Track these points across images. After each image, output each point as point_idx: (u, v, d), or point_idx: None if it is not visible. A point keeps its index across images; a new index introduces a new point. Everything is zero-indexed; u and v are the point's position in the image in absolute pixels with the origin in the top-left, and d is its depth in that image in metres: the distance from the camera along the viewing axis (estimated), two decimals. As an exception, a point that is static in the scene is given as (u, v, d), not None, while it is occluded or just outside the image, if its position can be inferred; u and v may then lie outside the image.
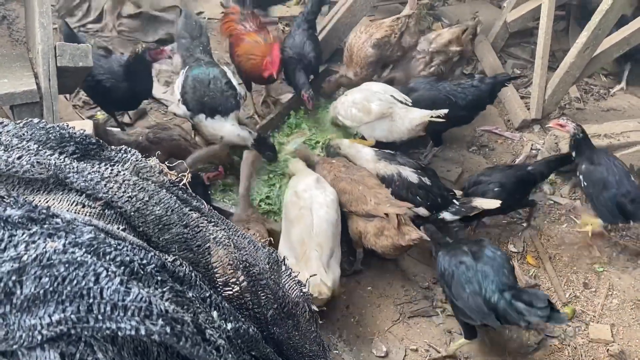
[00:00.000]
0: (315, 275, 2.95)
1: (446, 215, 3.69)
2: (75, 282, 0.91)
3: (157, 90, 5.10)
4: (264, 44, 4.50)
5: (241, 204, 3.66)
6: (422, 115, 3.98)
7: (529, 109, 4.98)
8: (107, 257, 0.96)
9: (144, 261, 1.04)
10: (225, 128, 4.09)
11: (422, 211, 3.68)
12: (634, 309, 3.57)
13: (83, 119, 4.82)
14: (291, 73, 4.62)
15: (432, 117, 3.92)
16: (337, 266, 3.24)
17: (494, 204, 3.62)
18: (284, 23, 6.24)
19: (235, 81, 4.30)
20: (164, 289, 1.01)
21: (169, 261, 1.19)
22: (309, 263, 3.07)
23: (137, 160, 1.33)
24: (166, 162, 3.82)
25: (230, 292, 1.32)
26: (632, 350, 3.35)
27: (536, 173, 3.93)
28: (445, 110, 3.91)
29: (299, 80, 4.54)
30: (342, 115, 4.30)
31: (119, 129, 4.37)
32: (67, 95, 5.03)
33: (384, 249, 3.45)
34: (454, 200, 3.72)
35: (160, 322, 0.91)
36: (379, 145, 4.19)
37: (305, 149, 4.30)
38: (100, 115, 4.87)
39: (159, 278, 1.02)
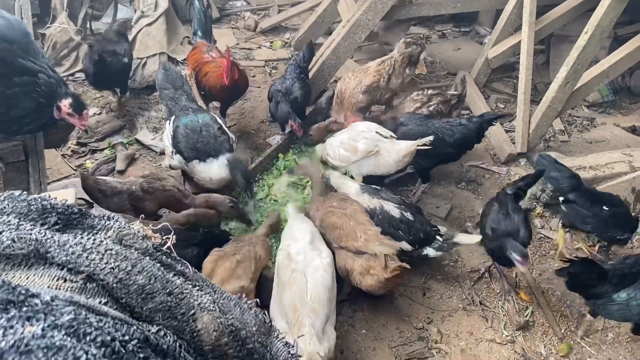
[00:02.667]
0: (306, 343, 2.88)
1: (429, 252, 3.71)
2: (54, 367, 0.89)
3: (146, 136, 5.14)
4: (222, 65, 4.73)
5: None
6: (407, 146, 4.03)
7: (514, 143, 5.04)
8: (87, 339, 0.95)
9: (126, 337, 1.03)
10: (212, 169, 4.10)
11: (405, 245, 3.69)
12: (630, 342, 3.55)
13: (73, 169, 4.83)
14: (275, 106, 4.76)
15: (418, 145, 3.97)
16: (332, 330, 3.11)
17: (475, 239, 3.68)
18: (270, 66, 6.34)
19: (225, 126, 4.34)
20: (146, 367, 1.00)
21: (153, 332, 1.17)
22: (302, 330, 2.94)
23: (119, 228, 1.32)
24: (158, 212, 3.87)
25: (216, 358, 1.30)
26: (630, 386, 3.32)
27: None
28: (431, 138, 3.96)
29: (283, 110, 4.69)
30: (330, 156, 4.36)
31: (110, 177, 4.35)
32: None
33: (368, 287, 3.42)
34: (437, 237, 3.73)
35: (141, 404, 0.90)
36: (367, 181, 4.23)
37: (311, 165, 4.30)
38: (90, 163, 4.89)
39: (141, 355, 1.01)
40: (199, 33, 5.17)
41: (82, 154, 5.00)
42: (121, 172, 4.76)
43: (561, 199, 3.98)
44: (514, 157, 4.99)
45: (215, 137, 4.15)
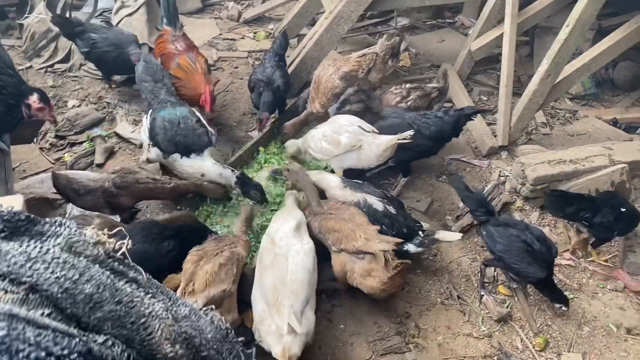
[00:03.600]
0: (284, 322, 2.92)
1: (410, 247, 3.71)
2: (-17, 386, 0.87)
3: (125, 129, 5.08)
4: (187, 70, 4.70)
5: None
6: (388, 140, 4.01)
7: (495, 136, 5.04)
8: (20, 355, 0.93)
9: (65, 351, 1.01)
10: (206, 166, 4.08)
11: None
12: (605, 336, 3.58)
13: (51, 162, 4.77)
14: (257, 95, 4.74)
15: (398, 140, 3.95)
16: (312, 313, 3.16)
17: (456, 236, 3.69)
18: (254, 57, 6.27)
19: (204, 119, 4.30)
20: (84, 382, 0.98)
21: (99, 343, 1.15)
22: (281, 310, 2.99)
23: (69, 235, 1.30)
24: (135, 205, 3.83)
25: (169, 367, 1.28)
26: (605, 379, 3.35)
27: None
28: (411, 132, 3.95)
29: (264, 99, 4.66)
30: (312, 149, 4.32)
31: (86, 173, 4.28)
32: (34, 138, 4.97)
33: (371, 289, 3.42)
34: (419, 232, 3.72)
35: (74, 423, 0.88)
36: (349, 175, 4.22)
37: (295, 166, 4.28)
38: (68, 157, 4.83)
39: (80, 370, 0.99)
40: (164, 19, 5.08)
41: (61, 147, 4.94)
42: (100, 166, 4.71)
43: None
44: (496, 150, 4.99)
45: (194, 129, 4.12)
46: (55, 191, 3.84)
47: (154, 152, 4.17)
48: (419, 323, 3.61)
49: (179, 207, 4.28)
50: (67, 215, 3.98)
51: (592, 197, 4.00)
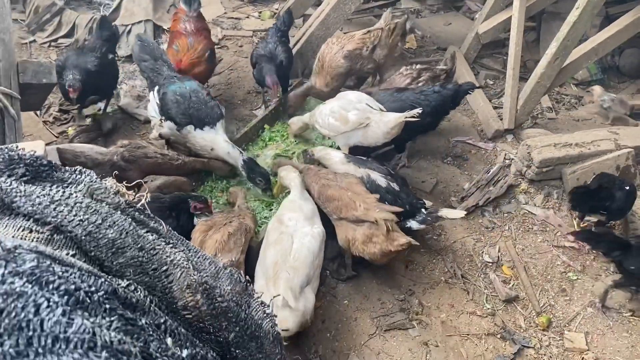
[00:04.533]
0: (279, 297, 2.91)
1: (413, 224, 3.71)
2: (14, 314, 0.86)
3: (129, 105, 5.05)
4: (179, 52, 4.68)
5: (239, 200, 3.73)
6: (396, 118, 3.99)
7: (501, 119, 5.02)
8: (50, 287, 0.92)
9: (92, 288, 1.00)
10: (218, 141, 4.05)
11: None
12: (607, 316, 3.59)
13: (55, 136, 4.75)
14: (260, 69, 4.70)
15: (406, 117, 3.94)
16: (312, 294, 3.16)
17: (459, 214, 3.68)
18: (259, 36, 6.23)
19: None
20: (112, 318, 0.97)
21: (122, 287, 1.15)
22: (278, 283, 2.99)
23: (91, 182, 1.29)
24: (143, 180, 3.83)
25: (190, 316, 1.28)
26: (606, 358, 3.37)
27: None
28: (420, 110, 3.93)
29: (267, 70, 4.61)
30: (319, 124, 4.30)
31: (91, 147, 4.25)
32: (38, 112, 4.94)
33: (372, 255, 3.44)
34: (422, 210, 3.72)
35: (104, 354, 0.87)
36: (354, 153, 4.20)
37: (284, 160, 4.26)
38: (71, 130, 4.80)
39: (108, 306, 0.98)
40: None
41: (64, 121, 4.91)
42: (104, 141, 4.67)
43: None
44: (501, 134, 4.97)
45: (206, 102, 4.11)
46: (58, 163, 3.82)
47: (167, 126, 4.12)
48: (423, 300, 3.62)
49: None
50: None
51: (608, 185, 3.97)
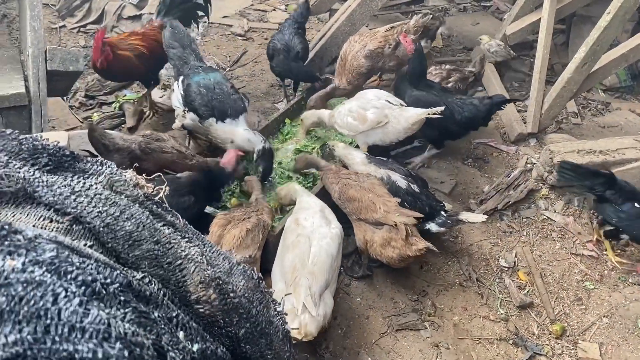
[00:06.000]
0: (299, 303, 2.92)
1: (432, 227, 3.69)
2: (32, 302, 0.89)
3: (155, 93, 5.10)
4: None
5: (255, 193, 3.72)
6: (418, 113, 3.97)
7: (525, 123, 4.96)
8: (68, 277, 0.95)
9: (108, 280, 1.03)
10: (237, 132, 4.05)
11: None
12: (622, 328, 3.54)
13: (80, 121, 4.83)
14: (279, 64, 4.73)
15: (428, 114, 3.92)
16: (330, 298, 3.14)
17: (480, 218, 3.66)
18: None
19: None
20: (127, 310, 0.99)
21: (137, 279, 1.17)
22: (298, 290, 2.97)
23: (111, 173, 1.31)
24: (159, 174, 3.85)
25: (202, 310, 1.30)
26: (620, 370, 3.33)
27: None
28: (442, 108, 3.91)
29: (301, 71, 4.72)
30: (338, 124, 4.29)
31: (117, 132, 4.31)
32: (64, 97, 5.03)
33: (389, 259, 3.43)
34: (442, 212, 3.70)
35: (118, 345, 0.90)
36: (372, 151, 4.19)
37: (306, 156, 4.24)
38: (96, 116, 4.88)
39: (122, 298, 1.01)
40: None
41: (90, 107, 5.00)
42: (131, 129, 4.71)
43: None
44: (524, 137, 4.92)
45: (229, 95, 4.11)
46: (82, 148, 3.89)
47: (190, 118, 4.14)
48: (436, 302, 3.61)
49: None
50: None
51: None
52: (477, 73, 4.74)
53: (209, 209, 3.61)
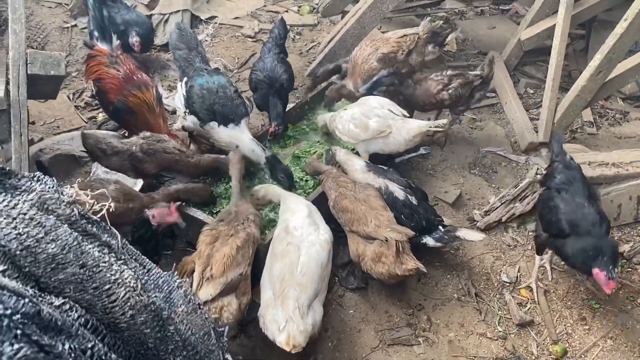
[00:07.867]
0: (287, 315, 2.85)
1: (428, 241, 3.59)
2: None
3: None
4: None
5: (233, 197, 3.55)
6: (420, 126, 3.88)
7: (537, 132, 4.80)
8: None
9: (8, 311, 0.97)
10: (243, 139, 4.00)
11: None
12: (628, 351, 3.37)
13: (84, 121, 4.84)
14: (263, 97, 4.49)
15: (430, 127, 3.82)
16: (320, 307, 3.06)
17: (478, 237, 3.55)
18: (295, 31, 6.17)
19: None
20: (21, 345, 0.93)
21: (55, 305, 1.11)
22: (286, 302, 2.90)
23: (42, 191, 1.25)
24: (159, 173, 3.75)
25: (133, 338, 1.23)
26: (622, 396, 3.17)
27: None
28: (445, 121, 3.83)
29: (274, 109, 4.40)
30: (339, 130, 4.20)
31: (115, 133, 4.31)
32: (70, 96, 5.06)
33: (379, 275, 3.35)
34: (440, 227, 3.59)
35: (-4, 387, 0.83)
36: (376, 159, 4.09)
37: (312, 160, 4.14)
38: (101, 116, 4.88)
39: (18, 332, 0.94)
40: (96, 34, 4.66)
41: (95, 107, 5.00)
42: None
43: None
44: (535, 147, 4.75)
45: (232, 99, 4.05)
46: (83, 149, 3.89)
47: (190, 120, 4.11)
48: (432, 317, 3.50)
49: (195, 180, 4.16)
50: (91, 174, 4.02)
51: None
52: (484, 76, 4.56)
53: (200, 215, 3.54)
